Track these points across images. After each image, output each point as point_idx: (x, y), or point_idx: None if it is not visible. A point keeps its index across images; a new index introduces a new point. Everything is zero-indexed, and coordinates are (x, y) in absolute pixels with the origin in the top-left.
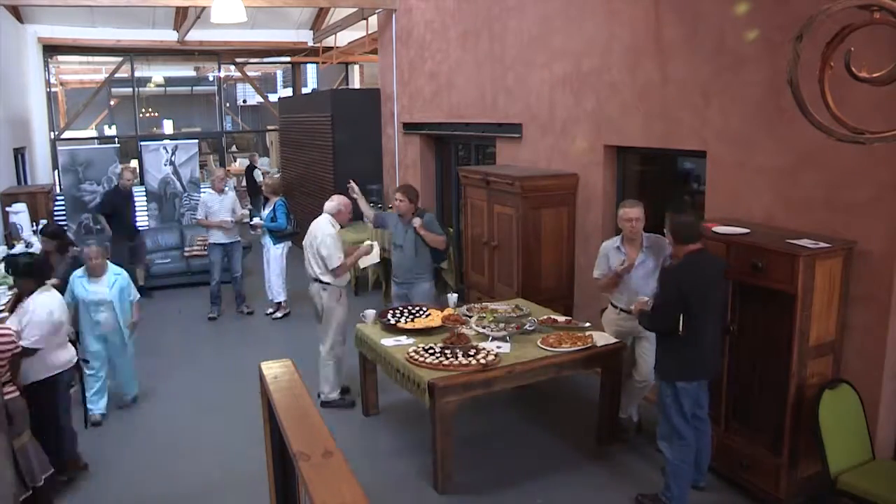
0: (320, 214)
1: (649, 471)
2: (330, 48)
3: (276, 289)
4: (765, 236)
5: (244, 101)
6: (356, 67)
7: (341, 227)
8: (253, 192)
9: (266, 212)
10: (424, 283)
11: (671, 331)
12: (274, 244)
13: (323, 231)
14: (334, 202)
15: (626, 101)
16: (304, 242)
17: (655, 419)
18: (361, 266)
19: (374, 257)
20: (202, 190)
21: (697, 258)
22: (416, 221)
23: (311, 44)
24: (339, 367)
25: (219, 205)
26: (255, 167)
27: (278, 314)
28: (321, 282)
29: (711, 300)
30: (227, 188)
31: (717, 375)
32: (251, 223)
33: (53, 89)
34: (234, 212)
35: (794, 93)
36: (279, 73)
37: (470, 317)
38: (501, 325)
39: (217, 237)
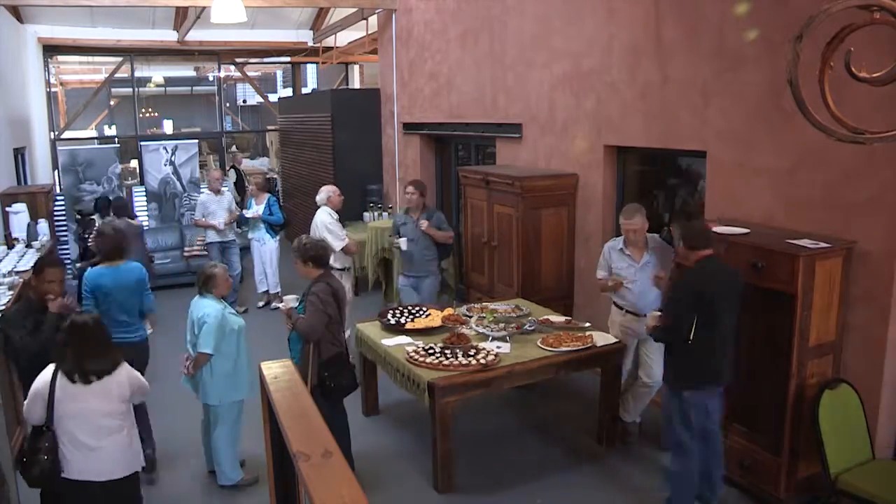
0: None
1: (649, 471)
2: (330, 48)
3: (273, 280)
4: (765, 236)
5: (244, 101)
6: (356, 67)
7: (338, 213)
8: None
9: (259, 207)
10: (431, 278)
11: (683, 340)
12: (272, 237)
13: (323, 221)
14: (322, 193)
15: (626, 101)
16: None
17: (657, 420)
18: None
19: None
20: (201, 190)
21: (708, 264)
22: (424, 224)
23: (311, 44)
24: None
25: (216, 205)
26: (237, 167)
27: (276, 304)
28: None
29: (724, 307)
30: (223, 188)
31: (729, 383)
32: (246, 216)
33: (53, 89)
34: (230, 211)
35: (794, 93)
36: (279, 73)
37: (470, 317)
38: (501, 325)
39: (213, 236)
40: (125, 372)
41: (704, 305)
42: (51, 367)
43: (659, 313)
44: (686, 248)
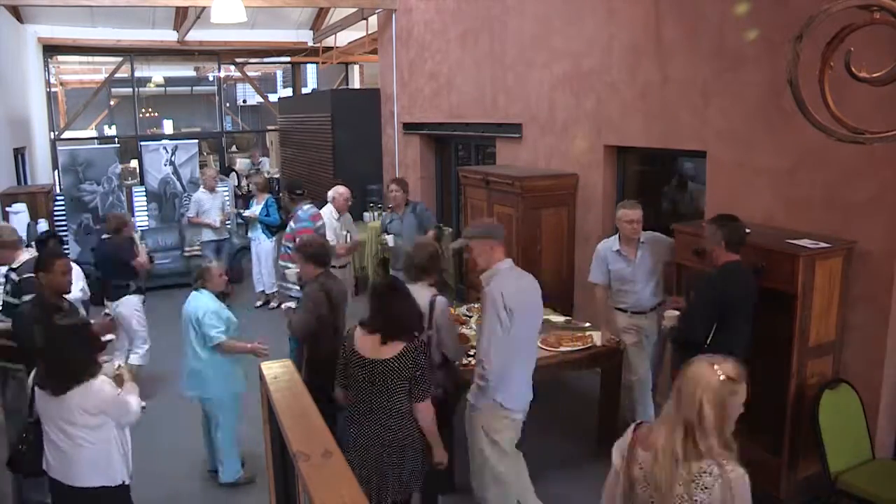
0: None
1: None
2: (330, 48)
3: (269, 281)
4: (765, 236)
5: (244, 101)
6: (356, 67)
7: (340, 214)
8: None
9: (258, 208)
10: None
11: (700, 342)
12: (268, 238)
13: (323, 215)
14: (330, 191)
15: (626, 101)
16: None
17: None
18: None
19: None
20: (201, 189)
21: (736, 268)
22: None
23: (311, 44)
24: None
25: (210, 203)
26: (234, 169)
27: (273, 304)
28: None
29: (743, 313)
30: (218, 187)
31: None
32: (243, 215)
33: (53, 89)
34: (223, 210)
35: (794, 93)
36: (279, 73)
37: (470, 317)
38: None
39: (208, 234)
40: (93, 390)
41: (724, 310)
42: None
43: (677, 312)
44: (725, 247)
